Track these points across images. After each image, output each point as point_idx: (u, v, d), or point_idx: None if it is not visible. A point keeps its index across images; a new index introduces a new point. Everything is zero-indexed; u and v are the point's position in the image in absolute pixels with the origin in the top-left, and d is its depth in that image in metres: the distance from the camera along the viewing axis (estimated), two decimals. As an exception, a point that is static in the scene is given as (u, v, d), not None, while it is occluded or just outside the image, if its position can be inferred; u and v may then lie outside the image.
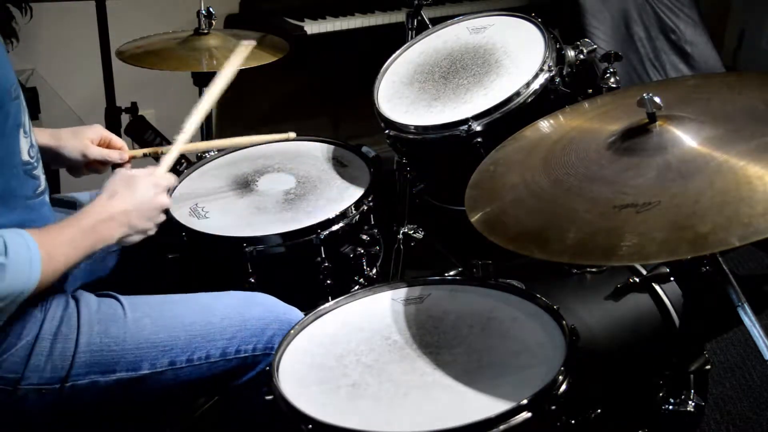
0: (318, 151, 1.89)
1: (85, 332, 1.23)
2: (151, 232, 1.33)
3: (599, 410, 1.31)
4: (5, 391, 1.18)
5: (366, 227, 1.69)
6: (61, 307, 1.24)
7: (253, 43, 1.71)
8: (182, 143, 1.49)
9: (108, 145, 1.54)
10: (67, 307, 1.25)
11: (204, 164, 1.88)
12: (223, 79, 1.58)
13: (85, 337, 1.23)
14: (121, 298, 1.31)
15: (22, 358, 1.18)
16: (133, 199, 1.28)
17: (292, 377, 1.18)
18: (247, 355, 1.33)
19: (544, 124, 1.40)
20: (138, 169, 1.36)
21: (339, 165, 1.82)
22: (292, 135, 1.75)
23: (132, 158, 1.55)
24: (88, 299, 1.29)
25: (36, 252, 1.11)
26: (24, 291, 1.10)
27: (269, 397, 1.13)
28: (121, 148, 1.52)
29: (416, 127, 1.65)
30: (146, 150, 1.60)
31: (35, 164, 1.26)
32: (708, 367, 1.37)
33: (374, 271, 1.71)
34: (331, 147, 1.90)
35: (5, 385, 1.17)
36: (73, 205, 1.58)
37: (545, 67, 1.62)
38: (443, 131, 1.61)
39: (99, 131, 1.51)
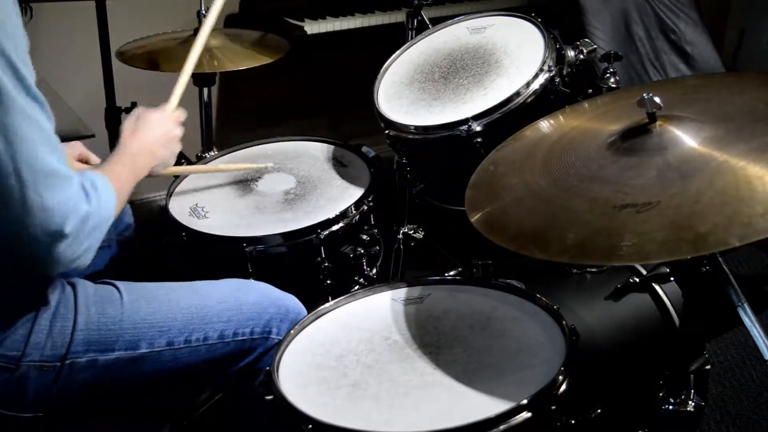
0: (318, 151, 1.89)
1: (83, 312, 1.25)
2: (172, 161, 1.46)
3: (599, 410, 1.31)
4: (7, 369, 1.19)
5: (366, 227, 1.69)
6: (58, 290, 1.26)
7: None
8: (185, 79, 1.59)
9: (86, 162, 1.55)
10: (63, 290, 1.27)
11: (204, 164, 1.89)
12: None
13: (83, 316, 1.25)
14: (117, 283, 1.33)
15: (23, 336, 1.20)
16: (154, 131, 1.40)
17: (292, 377, 1.18)
18: (245, 338, 1.34)
19: (544, 124, 1.40)
20: (149, 108, 1.45)
21: (339, 165, 1.82)
22: (270, 164, 1.81)
23: None
24: (85, 284, 1.31)
25: (108, 183, 1.17)
26: (108, 226, 1.16)
27: (269, 397, 1.13)
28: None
29: (416, 127, 1.65)
30: None
31: None
32: (708, 367, 1.37)
33: (374, 271, 1.71)
34: (331, 147, 1.90)
35: (7, 362, 1.19)
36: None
37: (545, 67, 1.62)
38: (443, 131, 1.61)
39: (78, 148, 1.52)
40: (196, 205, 1.68)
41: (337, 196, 1.68)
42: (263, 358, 1.36)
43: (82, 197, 1.09)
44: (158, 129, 1.41)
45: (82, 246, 1.09)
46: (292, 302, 1.41)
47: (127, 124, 1.39)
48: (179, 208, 1.67)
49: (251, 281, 1.45)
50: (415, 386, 1.13)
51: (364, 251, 1.66)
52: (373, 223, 1.71)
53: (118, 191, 1.21)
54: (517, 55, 1.72)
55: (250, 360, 1.36)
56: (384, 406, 1.09)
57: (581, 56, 1.71)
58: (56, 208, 1.04)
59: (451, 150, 1.65)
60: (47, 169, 1.04)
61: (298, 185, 1.74)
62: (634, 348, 1.46)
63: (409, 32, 2.10)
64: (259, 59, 2.04)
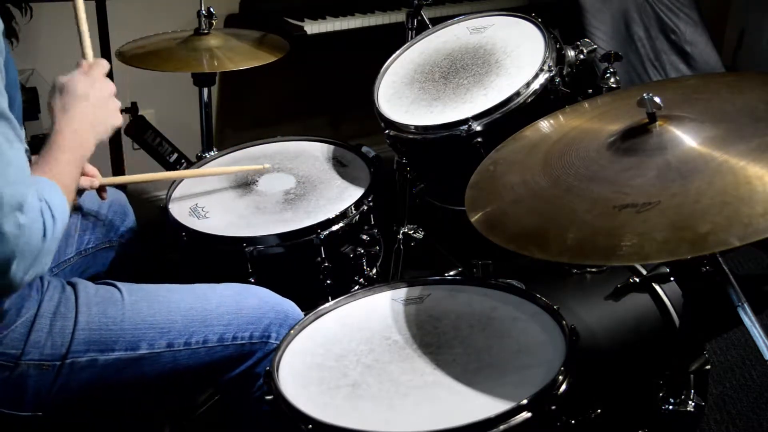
0: (318, 151, 1.89)
1: (84, 312, 1.25)
2: (118, 122, 1.33)
3: (599, 410, 1.31)
4: (7, 367, 1.19)
5: (366, 227, 1.69)
6: (59, 290, 1.27)
7: None
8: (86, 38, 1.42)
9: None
10: (64, 290, 1.28)
11: (204, 164, 1.89)
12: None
13: (84, 316, 1.25)
14: (118, 284, 1.33)
15: (23, 334, 1.20)
16: (84, 98, 1.28)
17: (292, 377, 1.18)
18: (244, 342, 1.34)
19: (544, 124, 1.40)
20: (68, 73, 1.32)
21: (339, 165, 1.82)
22: (268, 166, 1.77)
23: (102, 186, 1.50)
24: (86, 284, 1.31)
25: (61, 194, 1.12)
26: (63, 228, 1.11)
27: (269, 397, 1.13)
28: (93, 176, 1.46)
29: (416, 127, 1.65)
30: (117, 179, 1.59)
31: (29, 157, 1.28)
32: (708, 367, 1.37)
33: (374, 271, 1.71)
34: (331, 147, 1.90)
35: (7, 360, 1.19)
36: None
37: (545, 67, 1.62)
38: (443, 131, 1.61)
39: None
40: (196, 205, 1.68)
41: (337, 196, 1.68)
42: (262, 362, 1.36)
43: (39, 230, 1.03)
44: (88, 94, 1.28)
45: (29, 274, 1.04)
46: (291, 307, 1.41)
47: (54, 102, 1.27)
48: (179, 208, 1.67)
49: (251, 286, 1.44)
50: (415, 386, 1.12)
51: (364, 251, 1.66)
52: (373, 223, 1.71)
53: (69, 194, 1.16)
54: (517, 55, 1.72)
55: (249, 364, 1.36)
56: (384, 407, 1.09)
57: (581, 56, 1.71)
58: (7, 237, 0.99)
59: (451, 150, 1.65)
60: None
61: (298, 185, 1.74)
62: (634, 348, 1.46)
63: (409, 32, 2.11)
64: (259, 59, 2.04)
